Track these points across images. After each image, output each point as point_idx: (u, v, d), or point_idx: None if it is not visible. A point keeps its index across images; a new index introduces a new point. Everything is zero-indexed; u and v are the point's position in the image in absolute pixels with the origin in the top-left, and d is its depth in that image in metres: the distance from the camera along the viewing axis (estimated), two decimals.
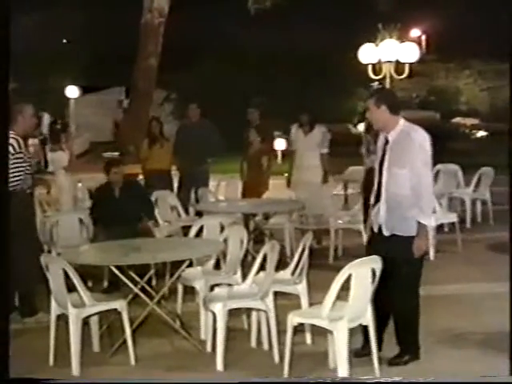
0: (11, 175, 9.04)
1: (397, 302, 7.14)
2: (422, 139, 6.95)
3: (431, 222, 7.12)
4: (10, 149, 9.05)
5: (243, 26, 23.38)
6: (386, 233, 7.14)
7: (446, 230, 12.84)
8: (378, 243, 7.24)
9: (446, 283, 10.22)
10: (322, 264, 10.74)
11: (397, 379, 6.53)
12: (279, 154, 22.66)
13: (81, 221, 10.58)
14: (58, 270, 7.32)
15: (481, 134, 26.79)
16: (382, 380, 6.54)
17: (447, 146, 20.74)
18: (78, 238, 10.33)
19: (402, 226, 7.04)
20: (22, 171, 9.10)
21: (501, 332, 7.72)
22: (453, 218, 12.44)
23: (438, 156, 15.58)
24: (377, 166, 7.30)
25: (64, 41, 30.05)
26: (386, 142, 7.15)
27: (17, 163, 9.00)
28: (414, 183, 6.93)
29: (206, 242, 9.11)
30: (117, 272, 7.72)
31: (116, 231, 9.37)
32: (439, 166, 14.94)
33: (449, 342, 7.87)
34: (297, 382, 6.49)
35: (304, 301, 8.04)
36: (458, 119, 29.45)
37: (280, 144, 20.29)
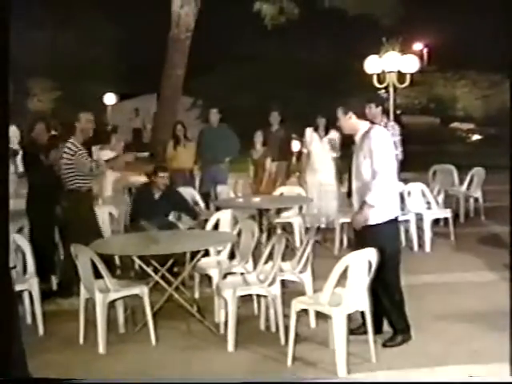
0: (70, 175, 9.18)
1: (381, 287, 7.07)
2: (378, 135, 7.02)
3: (373, 202, 6.93)
4: (68, 151, 9.18)
5: (263, 39, 23.29)
6: None
7: (442, 224, 12.71)
8: (356, 235, 7.34)
9: (440, 272, 10.15)
10: (328, 255, 10.63)
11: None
12: (294, 155, 22.56)
13: (110, 214, 10.56)
14: (85, 259, 7.33)
15: (475, 137, 26.72)
16: (382, 380, 6.43)
17: (445, 148, 20.65)
18: (108, 230, 10.29)
19: (370, 217, 7.03)
20: (78, 172, 9.23)
21: (487, 314, 7.91)
22: (447, 213, 12.34)
23: (437, 157, 15.65)
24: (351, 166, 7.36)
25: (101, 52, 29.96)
26: (354, 143, 7.28)
27: (73, 164, 9.18)
28: (372, 171, 6.94)
29: (220, 234, 9.07)
30: (139, 261, 7.70)
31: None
32: (436, 166, 14.95)
33: (441, 324, 7.84)
34: (298, 382, 6.40)
35: (308, 288, 7.99)
36: (455, 124, 29.43)
37: (295, 145, 20.23)
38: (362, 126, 7.20)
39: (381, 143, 6.99)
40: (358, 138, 7.22)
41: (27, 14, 25.82)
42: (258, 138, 13.42)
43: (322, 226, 12.03)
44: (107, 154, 12.08)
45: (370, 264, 6.64)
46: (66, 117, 12.37)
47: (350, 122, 7.22)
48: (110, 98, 29.62)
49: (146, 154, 18.60)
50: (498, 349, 6.65)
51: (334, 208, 12.45)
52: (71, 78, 28.85)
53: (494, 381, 6.22)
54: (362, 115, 7.26)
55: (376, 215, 7.02)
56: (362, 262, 6.61)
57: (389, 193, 7.03)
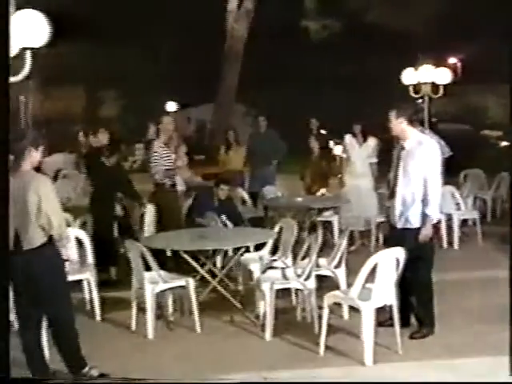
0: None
1: (414, 284, 6.91)
2: (432, 148, 6.96)
3: (435, 215, 6.91)
4: (156, 155, 9.66)
5: (308, 52, 23.19)
6: (399, 226, 7.00)
7: (470, 223, 12.40)
8: (393, 235, 7.12)
9: (467, 269, 9.90)
10: (364, 251, 10.42)
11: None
12: (337, 158, 22.38)
13: None
14: (136, 252, 7.24)
15: (504, 144, 26.20)
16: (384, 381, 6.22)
17: (476, 154, 20.25)
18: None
19: (412, 220, 6.91)
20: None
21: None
22: (475, 214, 12.07)
23: (468, 162, 15.30)
24: (393, 169, 7.21)
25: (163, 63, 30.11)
26: (402, 148, 7.07)
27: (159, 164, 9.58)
28: (423, 183, 6.84)
29: (261, 231, 8.92)
30: (185, 256, 7.59)
31: None
32: (467, 171, 14.62)
33: (466, 318, 7.61)
34: (299, 383, 6.22)
35: (342, 283, 7.79)
36: (485, 131, 28.89)
37: (338, 149, 20.09)
38: (410, 133, 7.03)
39: (434, 154, 6.92)
40: (408, 145, 7.02)
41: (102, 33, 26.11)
42: (314, 143, 13.26)
43: (361, 229, 11.73)
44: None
45: (398, 262, 6.48)
46: (130, 123, 12.49)
47: (401, 126, 7.02)
48: (171, 106, 29.72)
49: (201, 156, 18.63)
50: None
51: (371, 211, 12.18)
52: (136, 89, 29.10)
53: (494, 381, 5.94)
54: (411, 122, 7.09)
55: (417, 219, 6.90)
56: (390, 260, 6.46)
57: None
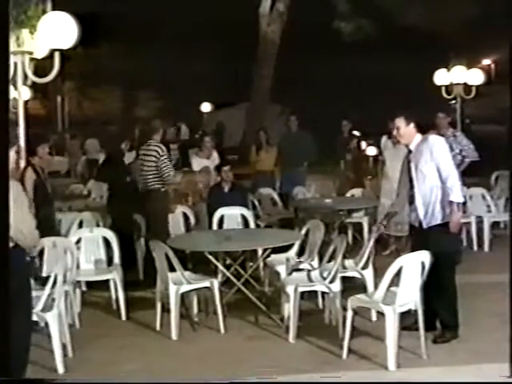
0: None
1: (436, 286, 6.70)
2: (435, 140, 6.89)
3: (459, 199, 6.72)
4: (155, 154, 9.27)
5: (341, 54, 23.01)
6: (424, 226, 6.86)
7: (502, 226, 12.14)
8: (419, 236, 6.96)
9: (497, 271, 9.64)
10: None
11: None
12: (371, 160, 22.18)
13: (185, 214, 10.37)
14: (161, 253, 7.18)
15: None
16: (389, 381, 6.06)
17: (509, 155, 19.89)
18: (182, 228, 10.15)
19: (438, 216, 6.79)
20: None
21: None
22: (506, 216, 11.80)
23: (501, 163, 15.02)
24: (405, 173, 7.10)
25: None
26: (409, 151, 7.02)
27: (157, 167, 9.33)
28: (439, 174, 6.75)
29: (287, 232, 8.80)
30: (210, 257, 7.51)
31: None
32: (499, 172, 14.32)
33: (493, 322, 7.38)
34: (301, 382, 6.09)
35: (369, 284, 7.65)
36: None
37: (371, 151, 19.91)
38: (416, 136, 6.96)
39: (443, 147, 6.84)
40: (413, 146, 6.95)
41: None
42: (345, 144, 13.12)
43: (397, 234, 11.44)
44: (201, 163, 11.85)
45: (424, 265, 6.31)
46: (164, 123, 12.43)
47: (411, 132, 6.94)
48: (206, 107, 29.76)
49: (235, 157, 18.56)
50: None
51: (404, 215, 11.90)
52: (172, 89, 29.14)
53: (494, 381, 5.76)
54: (423, 126, 7.03)
55: (441, 213, 6.77)
56: (415, 264, 6.30)
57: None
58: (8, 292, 4.28)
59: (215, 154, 12.25)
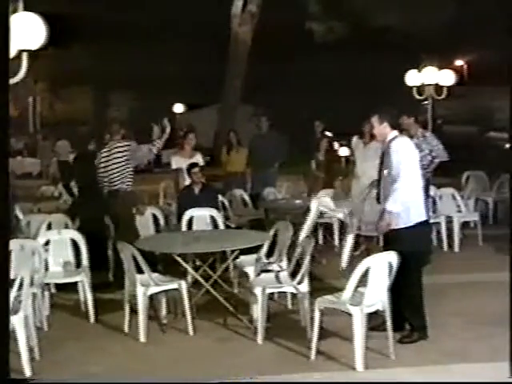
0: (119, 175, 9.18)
1: (403, 286, 6.67)
2: (398, 146, 6.78)
3: (391, 208, 6.65)
4: (121, 150, 9.41)
5: (313, 54, 23.07)
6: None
7: (472, 225, 12.19)
8: (388, 236, 6.96)
9: (467, 272, 9.72)
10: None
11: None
12: (343, 160, 22.20)
13: (154, 216, 10.33)
14: (128, 255, 7.15)
15: (509, 145, 26.01)
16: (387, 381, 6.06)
17: (480, 156, 20.06)
18: (151, 229, 10.07)
19: (404, 217, 6.74)
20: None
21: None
22: (475, 216, 11.88)
23: (471, 163, 15.10)
24: (378, 174, 7.15)
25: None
26: (382, 151, 7.05)
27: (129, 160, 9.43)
28: (391, 179, 6.70)
29: (256, 233, 8.77)
30: (178, 259, 7.47)
31: None
32: (469, 172, 14.40)
33: (462, 322, 7.43)
34: (300, 382, 6.08)
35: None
36: (491, 133, 28.65)
37: (344, 151, 19.92)
38: (390, 134, 6.92)
39: (399, 152, 6.72)
40: (384, 148, 6.96)
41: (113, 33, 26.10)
42: (317, 144, 13.12)
43: (367, 233, 11.46)
44: (180, 162, 11.64)
45: (391, 266, 6.31)
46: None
47: (385, 130, 6.94)
48: (178, 108, 29.69)
49: (207, 158, 18.50)
50: None
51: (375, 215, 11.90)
52: (145, 90, 29.07)
53: (494, 381, 5.78)
54: (396, 125, 6.99)
55: (400, 220, 6.71)
56: (382, 264, 6.29)
57: (411, 199, 6.68)
58: (8, 293, 4.25)
59: (198, 155, 12.02)
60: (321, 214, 11.39)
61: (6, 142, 4.29)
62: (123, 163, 9.38)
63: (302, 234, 7.99)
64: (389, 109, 7.20)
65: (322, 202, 9.43)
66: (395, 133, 6.93)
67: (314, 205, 9.04)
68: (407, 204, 6.69)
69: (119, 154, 9.40)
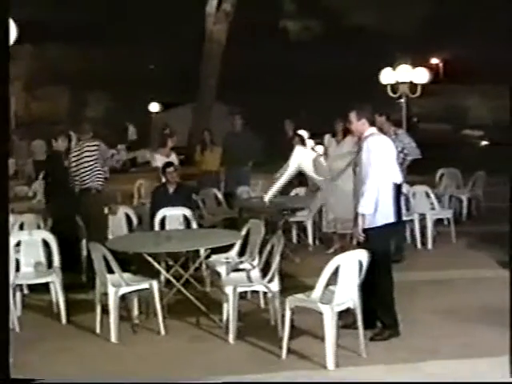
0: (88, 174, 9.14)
1: (373, 284, 6.68)
2: (372, 144, 6.75)
3: (362, 210, 6.67)
4: (90, 149, 9.39)
5: (288, 52, 23.11)
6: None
7: (446, 223, 12.24)
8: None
9: (439, 269, 9.76)
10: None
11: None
12: None
13: (127, 215, 10.28)
14: (99, 255, 7.09)
15: (484, 143, 26.21)
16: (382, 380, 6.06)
17: (455, 153, 20.15)
18: (124, 229, 10.03)
19: (373, 215, 6.74)
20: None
21: (481, 309, 7.54)
22: (448, 213, 11.93)
23: (445, 161, 15.16)
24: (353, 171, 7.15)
25: (150, 66, 29.96)
26: (358, 147, 7.04)
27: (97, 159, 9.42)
28: (361, 179, 6.72)
29: (228, 232, 8.76)
30: (149, 258, 7.43)
31: None
32: (443, 170, 14.45)
33: (434, 319, 7.46)
34: (270, 382, 6.07)
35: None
36: (466, 131, 28.89)
37: (317, 150, 19.96)
38: (367, 131, 6.89)
39: (371, 152, 6.69)
40: (360, 143, 6.93)
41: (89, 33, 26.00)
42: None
43: (341, 231, 11.44)
44: (161, 160, 11.61)
45: (361, 264, 6.31)
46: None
47: (363, 127, 6.90)
48: (154, 107, 29.62)
49: (181, 157, 18.44)
50: (487, 344, 6.42)
51: (349, 213, 11.90)
52: (121, 90, 28.98)
53: (494, 381, 5.79)
54: (372, 123, 6.98)
55: (370, 220, 6.71)
56: (352, 262, 6.28)
57: (382, 199, 6.68)
58: (7, 293, 4.24)
59: (173, 154, 12.09)
60: (292, 212, 11.43)
61: (6, 142, 4.25)
62: (93, 162, 9.36)
63: (273, 190, 7.94)
64: (367, 105, 7.16)
65: (303, 162, 9.35)
66: (373, 129, 6.93)
67: (293, 161, 9.00)
68: (377, 205, 6.70)
69: (89, 154, 9.38)
